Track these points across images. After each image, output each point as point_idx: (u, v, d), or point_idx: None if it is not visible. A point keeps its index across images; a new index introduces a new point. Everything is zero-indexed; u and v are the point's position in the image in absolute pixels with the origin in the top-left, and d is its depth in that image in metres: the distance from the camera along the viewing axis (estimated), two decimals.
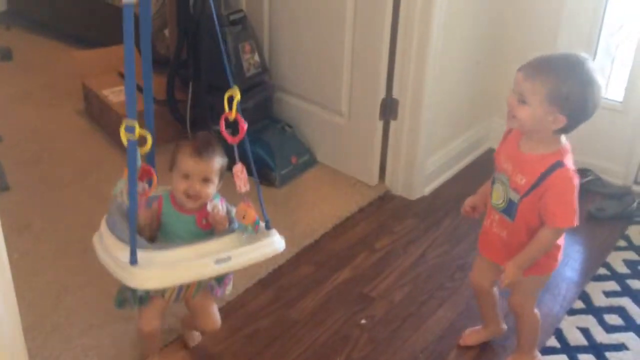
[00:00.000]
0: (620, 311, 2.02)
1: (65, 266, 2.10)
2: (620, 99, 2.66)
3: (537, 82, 1.41)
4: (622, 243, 2.36)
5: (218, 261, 1.43)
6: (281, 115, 2.85)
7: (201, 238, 1.51)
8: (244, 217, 1.49)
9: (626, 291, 2.11)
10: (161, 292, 1.61)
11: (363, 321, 1.97)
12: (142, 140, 1.40)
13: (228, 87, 2.79)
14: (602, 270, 2.20)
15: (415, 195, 2.59)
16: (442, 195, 2.63)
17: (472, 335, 1.89)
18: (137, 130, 1.34)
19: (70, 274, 2.07)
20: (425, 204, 2.57)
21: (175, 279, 1.45)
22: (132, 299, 1.61)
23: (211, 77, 2.60)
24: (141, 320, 1.64)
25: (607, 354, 1.86)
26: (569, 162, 1.48)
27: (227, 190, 1.57)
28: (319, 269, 2.16)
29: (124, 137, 1.36)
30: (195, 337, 1.85)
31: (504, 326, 1.89)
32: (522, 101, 1.44)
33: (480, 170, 2.84)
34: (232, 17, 2.60)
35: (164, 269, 1.41)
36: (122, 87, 2.97)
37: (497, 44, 2.79)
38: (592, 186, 2.67)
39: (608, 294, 2.09)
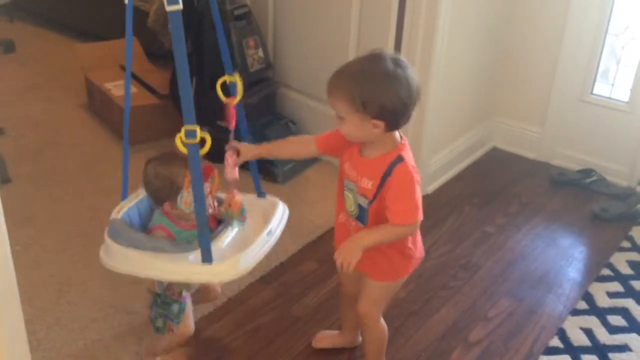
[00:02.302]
0: (624, 312, 2.02)
1: (68, 259, 2.10)
2: (626, 99, 2.65)
3: (336, 97, 1.39)
4: (626, 244, 2.35)
5: (268, 233, 1.49)
6: (285, 111, 2.85)
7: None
8: (229, 205, 1.50)
9: (630, 292, 2.11)
10: (188, 288, 1.62)
11: None
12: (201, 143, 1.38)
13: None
14: (606, 271, 2.20)
15: None
16: (445, 194, 2.62)
17: (325, 338, 1.84)
18: (199, 133, 1.32)
19: (73, 267, 2.06)
20: (428, 202, 2.56)
21: (252, 261, 1.45)
22: (171, 320, 1.59)
23: (214, 72, 2.59)
24: (185, 327, 1.63)
25: (610, 355, 1.86)
26: (408, 156, 1.44)
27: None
28: (322, 265, 2.16)
29: (179, 144, 1.33)
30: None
31: (360, 338, 1.82)
32: (340, 117, 1.41)
33: (483, 169, 2.84)
34: (236, 12, 2.59)
35: (235, 257, 1.41)
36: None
37: (502, 45, 2.78)
38: (596, 187, 2.67)
39: (611, 295, 2.09)
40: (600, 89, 2.73)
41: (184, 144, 1.33)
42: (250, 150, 1.58)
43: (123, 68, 3.06)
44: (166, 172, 1.52)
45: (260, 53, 2.67)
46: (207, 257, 1.38)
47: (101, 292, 1.96)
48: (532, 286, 2.13)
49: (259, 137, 2.60)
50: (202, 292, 1.79)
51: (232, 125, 1.55)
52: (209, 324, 1.89)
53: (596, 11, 2.60)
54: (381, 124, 1.38)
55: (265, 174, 2.54)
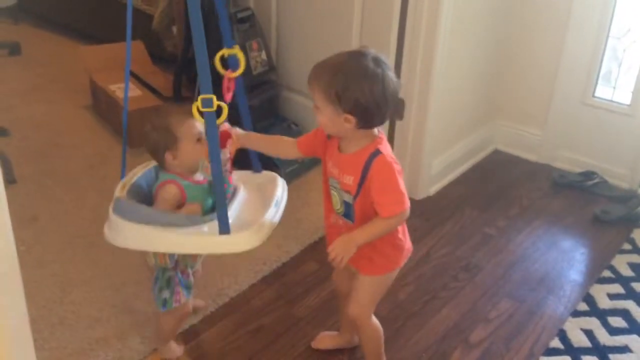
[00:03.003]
0: (624, 314, 2.02)
1: (72, 259, 2.12)
2: (628, 102, 2.66)
3: (314, 87, 1.41)
4: (627, 246, 2.35)
5: (276, 204, 1.53)
6: (287, 113, 2.86)
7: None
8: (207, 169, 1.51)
9: (630, 294, 2.11)
10: (192, 265, 1.66)
11: None
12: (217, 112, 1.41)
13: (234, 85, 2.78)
14: (607, 273, 2.20)
15: (420, 195, 2.59)
16: (447, 196, 2.63)
17: (325, 339, 1.86)
18: (215, 102, 1.35)
19: (76, 267, 2.08)
20: (430, 204, 2.57)
21: (267, 231, 1.47)
22: (183, 289, 1.63)
23: (218, 75, 2.61)
24: (186, 306, 1.68)
25: (611, 356, 1.86)
26: (385, 149, 1.45)
27: None
28: (323, 266, 2.16)
29: (196, 113, 1.36)
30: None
31: (357, 338, 1.83)
32: (317, 107, 1.43)
33: (485, 171, 2.85)
34: (239, 15, 2.61)
35: (253, 227, 1.44)
36: (129, 83, 3.00)
37: (504, 47, 2.79)
38: (598, 189, 2.67)
39: (612, 297, 2.09)
40: (602, 91, 2.74)
41: (201, 113, 1.35)
42: (240, 139, 1.59)
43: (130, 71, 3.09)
44: (163, 122, 1.57)
45: (263, 56, 2.69)
46: (224, 228, 1.41)
47: (104, 292, 1.98)
48: (533, 288, 2.14)
49: None
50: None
51: (228, 97, 1.56)
52: (211, 324, 1.91)
53: (598, 14, 2.61)
54: (352, 119, 1.39)
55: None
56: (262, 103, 2.69)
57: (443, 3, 2.28)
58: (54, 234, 2.24)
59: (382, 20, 2.41)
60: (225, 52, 1.57)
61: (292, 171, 2.63)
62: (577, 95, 2.75)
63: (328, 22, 2.61)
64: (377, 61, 1.39)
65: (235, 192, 1.58)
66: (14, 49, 3.70)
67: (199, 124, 1.55)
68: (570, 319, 2.00)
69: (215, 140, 1.38)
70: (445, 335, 1.92)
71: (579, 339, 1.92)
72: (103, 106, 3.01)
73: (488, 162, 2.91)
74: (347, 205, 1.51)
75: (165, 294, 1.63)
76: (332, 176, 1.52)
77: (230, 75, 1.57)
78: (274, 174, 1.70)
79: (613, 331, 1.95)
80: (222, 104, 1.40)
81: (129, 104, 2.77)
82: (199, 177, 1.61)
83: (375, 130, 1.47)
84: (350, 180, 1.47)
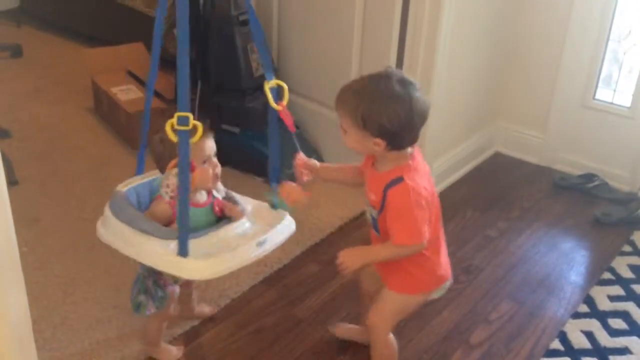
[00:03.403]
0: (625, 315, 2.03)
1: (74, 260, 2.12)
2: (628, 104, 2.66)
3: (341, 112, 1.42)
4: (627, 248, 2.36)
5: (259, 244, 1.46)
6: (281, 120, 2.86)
7: (218, 224, 1.53)
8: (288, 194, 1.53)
9: (631, 296, 2.12)
10: (174, 280, 1.64)
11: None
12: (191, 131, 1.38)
13: (235, 86, 2.81)
14: (607, 275, 2.21)
15: None
16: (448, 198, 2.63)
17: (346, 329, 1.87)
18: (191, 120, 1.33)
19: (78, 268, 2.09)
20: None
21: (226, 267, 1.43)
22: (154, 301, 1.62)
23: (219, 77, 2.63)
24: (167, 311, 1.67)
25: (611, 358, 1.87)
26: (412, 177, 1.43)
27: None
28: (325, 268, 2.17)
29: (169, 131, 1.34)
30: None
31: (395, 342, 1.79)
32: (344, 130, 1.44)
33: (486, 173, 2.85)
34: (241, 18, 2.62)
35: (214, 258, 1.41)
36: (131, 86, 3.01)
37: (504, 50, 2.80)
38: (598, 191, 2.68)
39: (612, 298, 2.10)
40: (603, 94, 2.74)
41: (175, 131, 1.33)
42: (318, 171, 1.60)
43: (130, 73, 3.10)
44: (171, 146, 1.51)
45: None
46: (182, 250, 1.39)
47: (106, 293, 1.98)
48: (533, 289, 2.14)
49: (262, 141, 2.62)
50: (188, 307, 1.84)
51: (293, 128, 1.55)
52: (211, 325, 1.91)
53: (598, 17, 2.62)
54: (381, 142, 1.39)
55: (267, 178, 2.56)
56: (264, 105, 2.67)
57: (444, 6, 2.28)
58: (55, 235, 2.25)
59: (383, 22, 2.41)
60: (267, 85, 1.53)
61: (293, 173, 2.63)
62: (578, 98, 2.75)
63: (329, 25, 2.62)
64: (403, 82, 1.39)
65: (233, 219, 1.54)
66: (16, 51, 3.71)
67: (210, 146, 1.54)
68: (571, 320, 2.00)
69: (186, 159, 1.35)
70: (446, 337, 1.92)
71: (579, 341, 1.92)
72: (105, 108, 3.02)
73: (489, 165, 2.92)
74: (373, 218, 1.53)
75: (141, 298, 1.62)
76: (365, 191, 1.54)
77: (281, 105, 1.54)
78: (284, 213, 1.59)
79: (613, 333, 1.95)
80: (197, 122, 1.37)
81: (130, 106, 2.81)
82: (199, 198, 1.56)
83: (409, 150, 1.45)
84: (373, 197, 1.49)
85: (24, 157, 2.67)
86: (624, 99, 2.69)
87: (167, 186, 1.50)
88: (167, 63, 3.23)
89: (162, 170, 1.59)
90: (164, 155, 1.55)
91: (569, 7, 2.64)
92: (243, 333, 1.90)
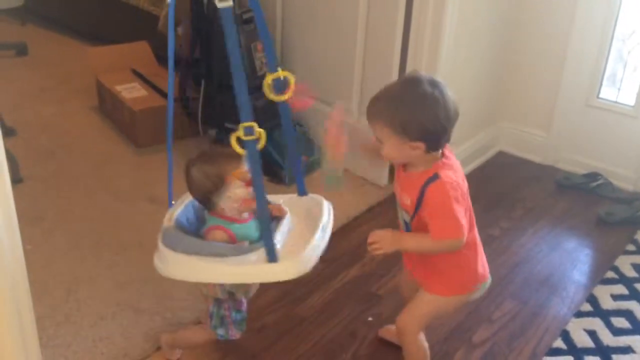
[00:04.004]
0: (628, 314, 2.02)
1: (77, 258, 2.13)
2: (632, 103, 2.66)
3: (376, 122, 1.41)
4: (631, 247, 2.35)
5: (323, 228, 1.48)
6: (292, 114, 2.86)
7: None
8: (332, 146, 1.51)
9: (634, 295, 2.11)
10: (246, 295, 1.63)
11: (370, 319, 1.98)
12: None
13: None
14: (610, 274, 2.21)
15: None
16: None
17: (390, 331, 1.84)
18: (257, 130, 1.33)
19: (82, 266, 2.09)
20: None
21: (311, 260, 1.43)
22: (234, 326, 1.61)
23: (223, 76, 2.63)
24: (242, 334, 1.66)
25: (614, 357, 1.86)
26: (447, 174, 1.43)
27: None
28: (328, 266, 2.18)
29: (235, 143, 1.34)
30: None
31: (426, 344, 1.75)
32: (380, 141, 1.43)
33: (489, 173, 2.85)
34: (244, 16, 2.62)
35: (298, 256, 1.41)
36: (135, 84, 3.02)
37: (508, 49, 2.79)
38: (601, 190, 2.67)
39: (616, 297, 2.09)
40: (607, 93, 2.74)
41: (240, 142, 1.32)
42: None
43: (134, 72, 3.11)
44: (215, 170, 1.48)
45: None
46: (272, 257, 1.38)
47: (109, 290, 1.99)
48: (536, 288, 2.14)
49: (267, 139, 2.62)
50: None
51: (310, 101, 1.54)
52: None
53: (602, 16, 2.61)
54: (421, 145, 1.39)
55: (272, 176, 2.57)
56: (267, 104, 2.67)
57: (447, 4, 2.28)
58: (60, 233, 2.25)
59: (387, 22, 2.42)
60: (270, 77, 1.51)
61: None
62: (582, 97, 2.75)
63: (332, 23, 2.62)
64: (434, 83, 1.40)
65: (281, 218, 1.53)
66: (21, 50, 3.72)
67: (244, 166, 1.50)
68: (574, 319, 2.00)
69: (257, 168, 1.34)
70: (449, 336, 1.92)
71: (582, 340, 1.92)
72: (109, 106, 3.03)
73: (492, 164, 2.92)
74: (405, 223, 1.53)
75: (221, 331, 1.62)
76: (396, 193, 1.54)
77: (287, 96, 1.51)
78: (319, 197, 1.63)
79: (616, 332, 1.95)
80: (262, 130, 1.37)
81: (135, 104, 2.82)
82: (245, 215, 1.54)
83: (439, 154, 1.46)
84: (408, 201, 1.48)
85: (29, 155, 2.68)
86: (629, 98, 2.68)
87: (229, 197, 1.47)
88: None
89: (208, 206, 1.53)
90: (209, 189, 1.49)
91: (573, 6, 2.64)
92: (246, 331, 1.90)
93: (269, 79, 1.50)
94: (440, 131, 1.39)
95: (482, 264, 1.59)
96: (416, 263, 1.61)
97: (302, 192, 1.67)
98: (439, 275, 1.55)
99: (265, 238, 1.38)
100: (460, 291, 1.59)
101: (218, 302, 1.60)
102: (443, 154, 1.47)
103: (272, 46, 1.55)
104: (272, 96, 1.51)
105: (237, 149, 1.35)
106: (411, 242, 1.51)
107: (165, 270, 1.49)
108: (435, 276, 1.56)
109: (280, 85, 1.51)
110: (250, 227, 1.53)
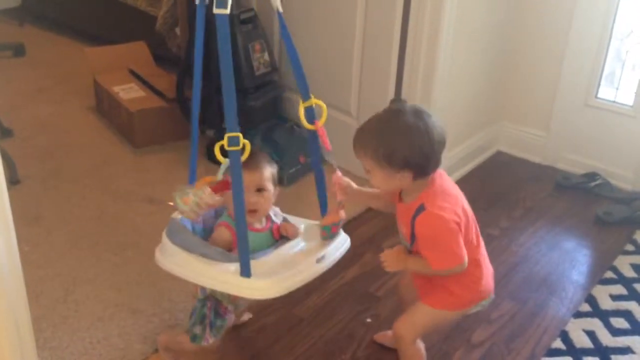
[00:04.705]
0: (627, 315, 2.02)
1: (75, 259, 2.12)
2: (631, 103, 2.66)
3: (361, 154, 1.43)
4: (629, 247, 2.35)
5: (318, 260, 1.47)
6: (290, 114, 2.87)
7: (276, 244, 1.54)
8: (275, 215, 1.55)
9: (633, 295, 2.11)
10: (235, 306, 1.63)
11: (368, 320, 1.97)
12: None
13: (238, 86, 2.80)
14: (609, 274, 2.20)
15: None
16: None
17: (387, 336, 1.84)
18: (241, 140, 1.34)
19: (80, 267, 2.09)
20: None
21: (289, 285, 1.42)
22: (211, 330, 1.59)
23: (221, 77, 2.62)
24: (215, 345, 1.64)
25: (613, 357, 1.86)
26: (435, 203, 1.43)
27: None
28: None
29: (218, 153, 1.36)
30: None
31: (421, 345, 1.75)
32: (368, 171, 1.45)
33: (488, 172, 2.85)
34: (242, 16, 2.62)
35: (277, 276, 1.40)
36: (133, 84, 3.01)
37: (507, 49, 2.79)
38: (600, 190, 2.67)
39: (615, 298, 2.09)
40: (605, 92, 2.73)
41: (225, 152, 1.33)
42: (351, 192, 1.58)
43: (132, 72, 3.10)
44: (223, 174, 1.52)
45: (266, 57, 2.70)
46: (245, 271, 1.38)
47: (107, 292, 1.99)
48: (535, 289, 2.13)
49: (264, 140, 2.62)
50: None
51: (329, 146, 1.51)
52: None
53: (601, 15, 2.61)
54: (408, 174, 1.40)
55: None
56: (265, 104, 2.69)
57: (445, 4, 2.28)
58: (58, 233, 2.25)
59: (385, 22, 2.41)
60: (303, 105, 1.50)
61: (294, 172, 2.64)
62: (581, 97, 2.75)
63: (330, 23, 2.61)
64: (417, 113, 1.41)
65: (291, 237, 1.55)
66: (18, 50, 3.72)
67: (261, 176, 1.52)
68: (572, 319, 2.00)
69: (239, 180, 1.34)
70: (448, 336, 1.92)
71: (581, 340, 1.91)
72: (106, 107, 3.02)
73: (491, 164, 2.91)
74: (407, 250, 1.54)
75: (197, 329, 1.60)
76: (397, 223, 1.55)
77: (318, 125, 1.51)
78: (340, 234, 1.59)
79: (615, 332, 1.95)
80: (246, 141, 1.39)
81: (132, 104, 2.81)
82: (259, 224, 1.56)
83: (427, 181, 1.45)
84: (404, 230, 1.50)
85: (26, 155, 2.68)
86: (627, 98, 2.68)
87: (197, 204, 1.46)
88: (168, 62, 3.25)
89: None
90: None
91: (571, 6, 2.63)
92: (244, 331, 1.90)
93: (302, 108, 1.51)
94: (424, 161, 1.40)
95: (486, 282, 1.58)
96: (423, 286, 1.60)
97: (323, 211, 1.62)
98: (443, 292, 1.55)
99: (240, 251, 1.38)
100: (460, 307, 1.59)
101: (202, 300, 1.60)
102: (432, 180, 1.46)
103: (302, 73, 1.53)
104: (306, 125, 1.52)
105: (219, 157, 1.36)
106: (416, 266, 1.53)
107: (158, 258, 1.53)
108: (439, 291, 1.55)
109: (312, 114, 1.51)
110: (259, 237, 1.53)
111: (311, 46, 2.72)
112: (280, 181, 2.56)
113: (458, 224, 1.43)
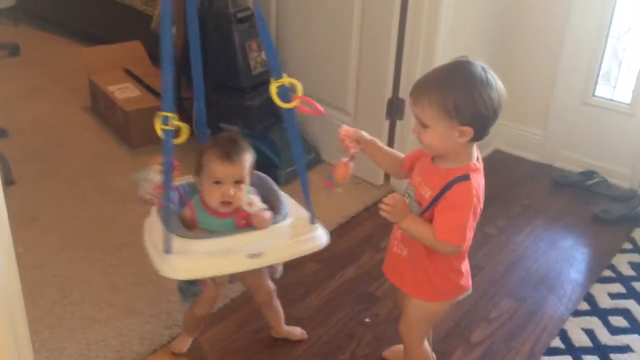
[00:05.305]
0: (625, 313, 2.02)
1: (71, 260, 2.11)
2: (628, 101, 2.65)
3: (425, 103, 1.33)
4: (627, 245, 2.35)
5: (251, 256, 1.43)
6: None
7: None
8: (249, 205, 1.51)
9: (631, 293, 2.11)
10: (212, 278, 1.63)
11: (367, 320, 1.97)
12: (177, 132, 1.42)
13: (234, 84, 2.78)
14: (607, 272, 2.20)
15: None
16: None
17: (396, 352, 1.81)
18: (175, 122, 1.37)
19: (76, 268, 2.07)
20: None
21: (206, 272, 1.45)
22: (184, 295, 1.63)
23: (217, 75, 2.61)
24: (195, 309, 1.69)
25: (612, 356, 1.86)
26: (477, 179, 1.38)
27: None
28: (324, 267, 2.16)
29: (158, 128, 1.37)
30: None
31: (433, 355, 1.73)
32: (424, 125, 1.36)
33: (485, 171, 2.82)
34: (239, 15, 2.60)
35: (196, 261, 1.41)
36: (128, 84, 3.00)
37: (504, 47, 2.78)
38: (598, 188, 2.67)
39: (613, 296, 2.09)
40: (602, 91, 2.73)
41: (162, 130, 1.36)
42: (365, 144, 1.51)
43: (127, 71, 3.09)
44: (204, 148, 1.54)
45: (263, 56, 2.68)
46: (167, 247, 1.41)
47: (103, 293, 1.97)
48: (534, 287, 2.13)
49: (261, 139, 2.61)
50: (277, 328, 1.84)
51: (321, 109, 1.48)
52: (211, 325, 1.90)
53: (597, 13, 2.61)
54: (470, 130, 1.33)
55: (267, 175, 2.55)
56: (262, 103, 2.68)
57: (443, 4, 2.27)
58: (53, 234, 2.23)
59: (382, 20, 2.40)
60: (275, 84, 1.48)
61: (291, 171, 2.63)
62: (578, 95, 2.74)
63: (328, 22, 2.60)
64: (484, 68, 1.36)
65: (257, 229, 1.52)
66: (13, 50, 3.70)
67: (242, 168, 1.51)
68: (571, 318, 1.99)
69: (169, 159, 1.37)
70: (447, 335, 1.91)
71: (580, 339, 1.91)
72: (102, 107, 3.00)
73: (489, 162, 2.84)
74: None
75: (179, 294, 1.65)
76: (413, 184, 1.47)
77: (298, 98, 1.49)
78: (317, 229, 1.57)
79: (614, 331, 1.95)
80: (183, 125, 1.41)
81: (127, 104, 2.80)
82: (223, 210, 1.54)
83: (475, 155, 1.41)
84: (427, 193, 1.41)
85: (21, 156, 2.66)
86: (624, 96, 2.68)
87: (146, 180, 1.50)
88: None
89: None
90: (196, 164, 1.55)
91: (568, 4, 2.63)
92: (242, 333, 1.89)
93: (273, 87, 1.47)
94: (491, 116, 1.34)
95: (467, 276, 1.55)
96: (408, 281, 1.54)
97: (308, 206, 1.62)
98: (424, 282, 1.50)
99: (165, 228, 1.41)
100: (442, 298, 1.55)
101: None
102: (479, 159, 1.43)
103: (274, 51, 1.51)
104: (279, 103, 1.49)
105: (159, 133, 1.37)
106: (414, 225, 1.41)
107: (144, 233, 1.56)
108: (420, 282, 1.51)
109: (286, 93, 1.48)
110: (219, 223, 1.52)
111: (308, 44, 2.71)
112: (277, 180, 2.56)
113: (477, 211, 1.40)
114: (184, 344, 1.80)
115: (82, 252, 2.14)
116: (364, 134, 1.51)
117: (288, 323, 1.91)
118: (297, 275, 2.12)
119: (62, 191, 2.49)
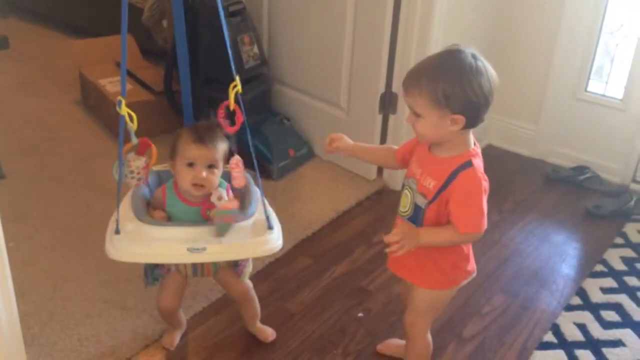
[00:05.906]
0: (617, 307, 2.03)
1: (62, 255, 2.09)
2: (620, 96, 2.66)
3: (415, 92, 1.33)
4: (619, 240, 2.36)
5: (191, 249, 1.43)
6: (280, 107, 2.85)
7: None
8: (219, 199, 1.50)
9: (623, 288, 2.12)
10: (175, 267, 1.63)
11: (360, 314, 1.96)
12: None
13: (225, 79, 2.78)
14: (599, 267, 2.21)
15: None
16: None
17: (390, 346, 1.83)
18: (124, 107, 1.43)
19: (67, 263, 2.06)
20: None
21: (144, 258, 1.49)
22: (147, 278, 1.66)
23: (209, 69, 2.59)
24: (159, 297, 1.69)
25: (604, 350, 1.86)
26: (479, 164, 1.40)
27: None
28: (317, 262, 2.16)
29: (125, 110, 1.43)
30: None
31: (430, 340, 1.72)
32: (417, 115, 1.36)
33: None
34: (231, 9, 2.59)
35: (136, 245, 1.44)
36: (119, 77, 2.97)
37: (496, 43, 2.78)
38: (590, 184, 2.68)
39: (605, 291, 2.10)
40: (595, 86, 2.74)
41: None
42: (351, 150, 1.57)
43: (118, 64, 3.06)
44: (180, 133, 1.56)
45: (255, 49, 2.67)
46: (117, 227, 1.46)
47: (95, 288, 1.96)
48: (526, 282, 2.14)
49: (253, 133, 2.59)
50: (251, 326, 1.83)
51: (232, 130, 1.60)
52: (204, 319, 1.89)
53: (590, 9, 2.61)
54: (461, 119, 1.33)
55: (260, 171, 2.53)
56: (254, 97, 2.66)
57: (436, 0, 2.27)
58: (44, 229, 2.21)
59: (376, 14, 2.39)
60: (234, 84, 1.58)
61: (284, 166, 2.62)
62: (570, 90, 2.75)
63: (320, 16, 2.59)
64: (475, 56, 1.35)
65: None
66: (2, 43, 3.64)
67: (215, 153, 1.52)
68: (564, 313, 2.00)
69: (121, 138, 1.46)
70: (439, 330, 1.91)
71: (573, 333, 1.92)
72: (93, 100, 2.98)
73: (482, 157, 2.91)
74: (417, 208, 1.44)
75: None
76: (413, 176, 1.46)
77: (230, 131, 1.57)
78: (269, 234, 1.53)
79: (606, 325, 1.96)
80: (132, 113, 1.45)
81: (117, 97, 2.77)
82: (192, 198, 1.55)
83: (472, 140, 1.41)
84: (431, 184, 1.41)
85: (11, 151, 2.64)
86: (616, 91, 2.69)
87: (131, 172, 1.52)
88: (155, 55, 3.22)
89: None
90: (171, 148, 1.57)
91: (561, 0, 2.64)
92: (235, 327, 1.88)
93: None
94: (483, 104, 1.34)
95: (472, 260, 1.56)
96: (415, 273, 1.54)
97: (265, 209, 1.58)
98: (433, 271, 1.51)
99: (117, 205, 1.48)
100: (451, 285, 1.56)
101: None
102: (476, 144, 1.43)
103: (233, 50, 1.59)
104: (226, 127, 1.60)
105: (124, 112, 1.44)
106: (429, 237, 1.41)
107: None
108: (428, 271, 1.51)
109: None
110: (184, 209, 1.54)
111: (301, 38, 2.70)
112: (269, 175, 2.57)
113: (487, 191, 1.41)
114: (174, 338, 1.79)
115: (73, 247, 2.13)
116: (348, 141, 1.56)
117: (280, 318, 1.92)
118: (289, 269, 2.12)
119: (53, 186, 2.46)
